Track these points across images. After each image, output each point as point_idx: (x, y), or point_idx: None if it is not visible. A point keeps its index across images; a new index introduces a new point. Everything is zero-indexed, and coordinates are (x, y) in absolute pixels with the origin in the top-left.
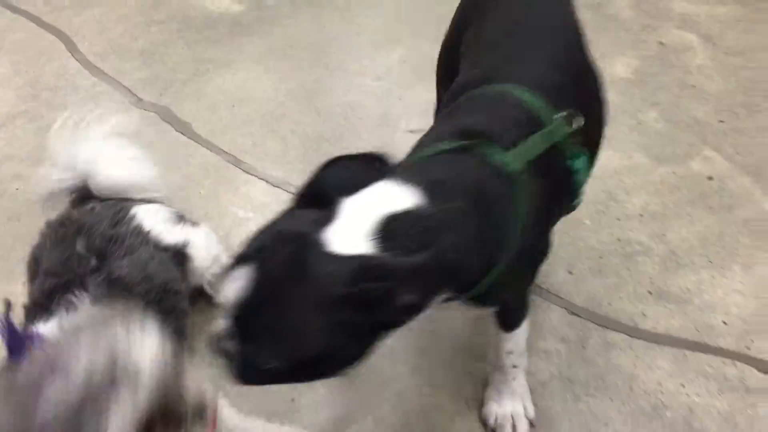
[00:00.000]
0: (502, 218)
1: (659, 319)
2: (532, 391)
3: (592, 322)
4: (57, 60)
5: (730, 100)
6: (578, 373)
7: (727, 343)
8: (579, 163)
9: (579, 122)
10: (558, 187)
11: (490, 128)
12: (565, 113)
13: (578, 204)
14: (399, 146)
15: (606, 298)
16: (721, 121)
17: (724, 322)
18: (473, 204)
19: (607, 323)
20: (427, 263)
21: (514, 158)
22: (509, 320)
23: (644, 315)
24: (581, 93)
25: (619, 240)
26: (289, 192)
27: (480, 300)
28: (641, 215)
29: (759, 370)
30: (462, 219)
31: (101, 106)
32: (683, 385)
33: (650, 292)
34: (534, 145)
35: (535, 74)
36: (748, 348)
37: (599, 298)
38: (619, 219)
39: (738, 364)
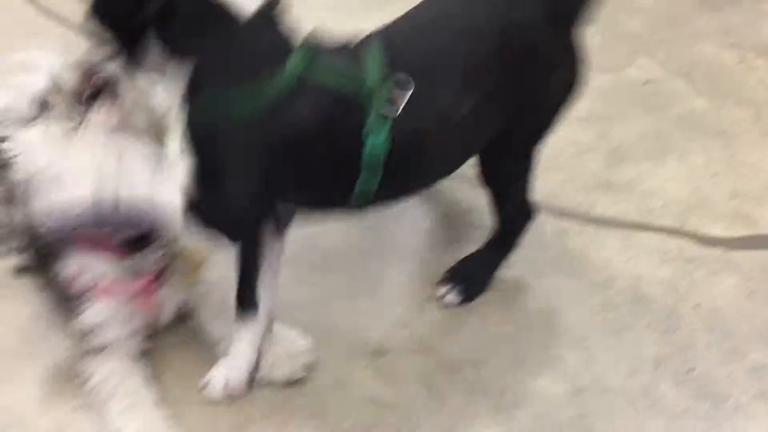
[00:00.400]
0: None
1: (607, 206)
2: (502, 279)
3: (548, 214)
4: None
5: (661, 13)
6: (536, 256)
7: (666, 222)
8: (375, 138)
9: (404, 93)
10: (323, 135)
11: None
12: (391, 76)
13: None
14: None
15: (561, 191)
16: (653, 32)
17: (662, 206)
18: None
19: (562, 213)
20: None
21: (294, 63)
22: None
23: (593, 204)
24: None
25: (568, 141)
26: None
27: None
28: (587, 118)
29: (694, 242)
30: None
31: None
32: (630, 259)
33: (599, 184)
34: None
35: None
36: (684, 225)
37: (555, 192)
38: (568, 122)
39: (676, 238)
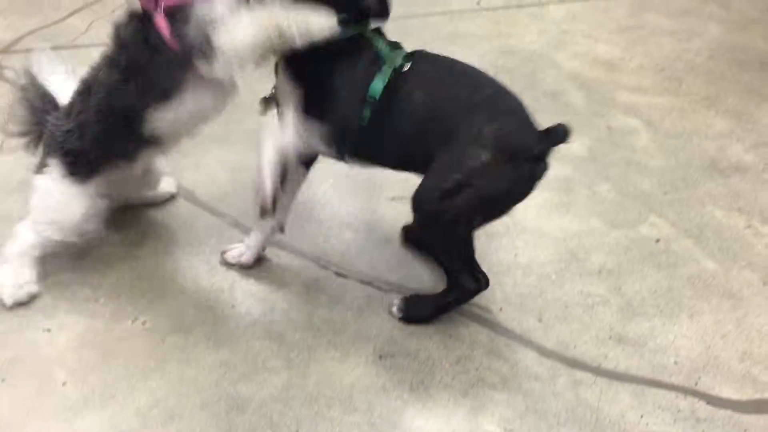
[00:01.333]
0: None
1: (619, 359)
2: (510, 421)
3: (561, 362)
4: None
5: (671, 175)
6: (550, 406)
7: (679, 380)
8: (377, 82)
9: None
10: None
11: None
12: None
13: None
14: (383, 214)
15: (572, 342)
16: (665, 193)
17: (675, 362)
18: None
19: (574, 364)
20: None
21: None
22: None
23: (606, 356)
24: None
25: (581, 292)
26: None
27: None
28: (599, 272)
29: (707, 402)
30: None
31: None
32: (642, 416)
33: (610, 337)
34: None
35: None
36: (696, 384)
37: (566, 342)
38: (580, 275)
39: (689, 397)
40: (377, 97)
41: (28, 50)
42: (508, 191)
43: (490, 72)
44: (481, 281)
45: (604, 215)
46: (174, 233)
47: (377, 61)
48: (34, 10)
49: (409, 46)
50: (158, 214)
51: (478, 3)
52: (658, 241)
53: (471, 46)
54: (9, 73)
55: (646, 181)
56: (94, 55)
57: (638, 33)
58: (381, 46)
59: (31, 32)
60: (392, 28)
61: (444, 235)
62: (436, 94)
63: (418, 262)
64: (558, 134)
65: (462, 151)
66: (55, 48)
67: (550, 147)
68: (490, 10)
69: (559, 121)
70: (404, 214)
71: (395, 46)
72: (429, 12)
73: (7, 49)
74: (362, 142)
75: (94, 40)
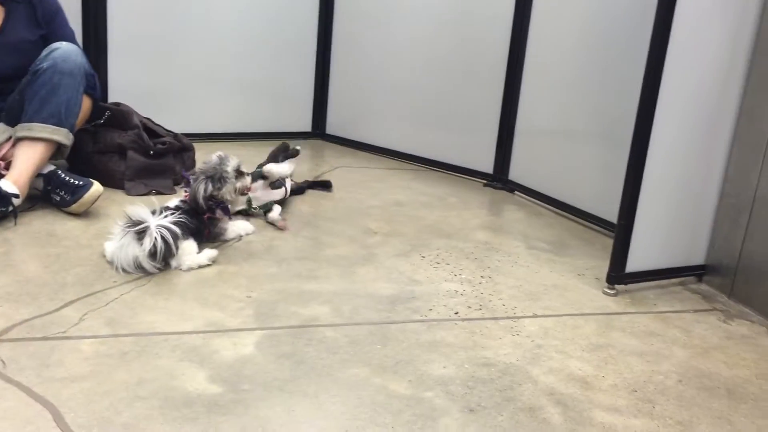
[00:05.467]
0: None
1: None
2: None
3: None
4: (43, 429)
5: None
6: None
7: None
8: None
9: None
10: None
11: None
12: None
13: None
14: None
15: None
16: None
17: None
18: None
19: None
20: None
21: None
22: None
23: None
24: None
25: None
26: None
27: None
28: None
29: None
30: None
31: None
32: None
33: None
34: None
35: None
36: None
37: None
38: None
39: None
40: None
41: (17, 340)
42: None
43: (468, 384)
44: None
45: None
46: None
47: None
48: (30, 300)
49: (388, 353)
50: None
51: (456, 313)
52: None
53: (448, 356)
54: None
55: None
56: (83, 347)
57: (608, 351)
58: None
59: (24, 321)
60: (370, 334)
61: None
62: None
63: None
64: None
65: None
66: (44, 339)
67: None
68: (466, 320)
69: None
70: None
71: None
72: (408, 319)
73: None
74: None
75: (84, 332)
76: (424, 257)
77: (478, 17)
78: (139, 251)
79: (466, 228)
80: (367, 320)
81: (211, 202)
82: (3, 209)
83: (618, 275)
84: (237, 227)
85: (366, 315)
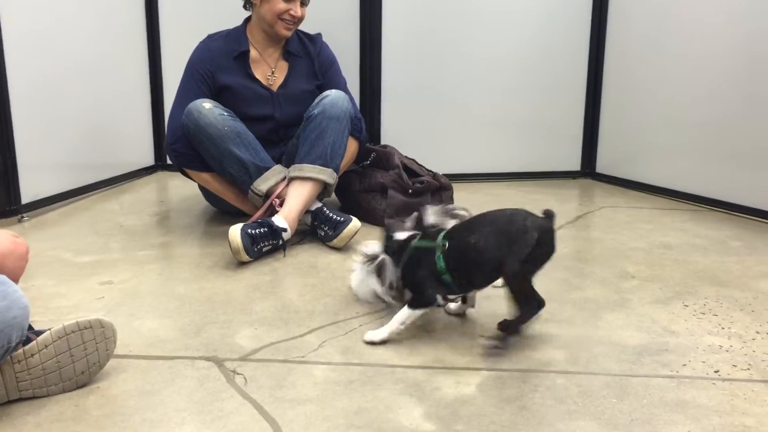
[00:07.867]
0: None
1: None
2: None
3: None
4: None
5: None
6: None
7: None
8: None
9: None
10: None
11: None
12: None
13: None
14: None
15: None
16: None
17: None
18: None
19: None
20: None
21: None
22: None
23: None
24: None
25: None
26: None
27: None
28: None
29: None
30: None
31: None
32: None
33: None
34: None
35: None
36: None
37: None
38: None
39: None
40: (443, 267)
41: (261, 360)
42: (549, 252)
43: None
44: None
45: None
46: None
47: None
48: (282, 324)
49: (623, 408)
50: None
51: (716, 372)
52: None
53: (697, 419)
54: (239, 380)
55: None
56: (316, 372)
57: None
58: (427, 244)
59: (271, 344)
60: (606, 385)
61: (522, 286)
62: (485, 234)
63: None
64: (550, 214)
65: (522, 239)
66: (284, 361)
67: (553, 220)
68: (727, 381)
69: None
70: None
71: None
72: (654, 373)
73: (245, 357)
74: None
75: (320, 358)
76: (687, 306)
77: None
78: (377, 284)
79: (746, 276)
80: (605, 370)
81: None
82: (274, 242)
83: None
84: None
85: (605, 365)
